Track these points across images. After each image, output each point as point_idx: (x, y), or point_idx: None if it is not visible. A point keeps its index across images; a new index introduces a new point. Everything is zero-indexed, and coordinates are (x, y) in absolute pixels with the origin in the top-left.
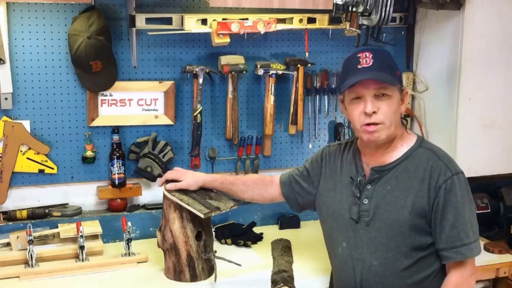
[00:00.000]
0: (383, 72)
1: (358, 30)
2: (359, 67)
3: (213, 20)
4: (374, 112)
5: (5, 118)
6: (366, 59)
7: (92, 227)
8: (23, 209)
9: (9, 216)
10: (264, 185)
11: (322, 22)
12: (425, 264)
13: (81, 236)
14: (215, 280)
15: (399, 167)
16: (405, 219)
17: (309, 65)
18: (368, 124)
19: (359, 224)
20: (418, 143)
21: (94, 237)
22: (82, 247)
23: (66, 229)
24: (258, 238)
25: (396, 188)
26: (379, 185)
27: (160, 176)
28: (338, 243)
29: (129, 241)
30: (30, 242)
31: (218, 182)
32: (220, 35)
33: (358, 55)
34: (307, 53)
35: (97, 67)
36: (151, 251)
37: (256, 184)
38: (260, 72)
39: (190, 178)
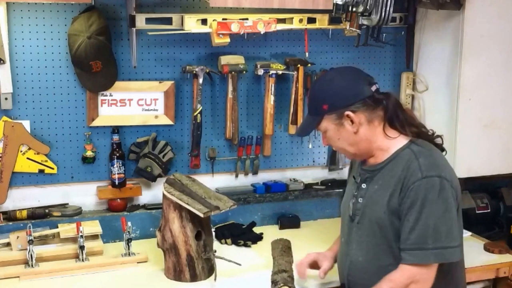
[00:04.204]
0: (308, 117)
1: (358, 30)
2: None
3: (213, 20)
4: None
5: (5, 118)
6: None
7: (92, 227)
8: (23, 209)
9: (9, 216)
10: None
11: (322, 22)
12: None
13: (81, 236)
14: (215, 279)
15: (386, 167)
16: (381, 217)
17: (309, 65)
18: None
19: (353, 222)
20: (407, 144)
21: (94, 237)
22: (82, 247)
23: (66, 229)
24: (258, 238)
25: (381, 188)
26: (371, 185)
27: (160, 176)
28: (341, 238)
29: (129, 241)
30: (30, 242)
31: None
32: (220, 35)
33: None
34: (307, 53)
35: (97, 67)
36: (151, 251)
37: None
38: (260, 72)
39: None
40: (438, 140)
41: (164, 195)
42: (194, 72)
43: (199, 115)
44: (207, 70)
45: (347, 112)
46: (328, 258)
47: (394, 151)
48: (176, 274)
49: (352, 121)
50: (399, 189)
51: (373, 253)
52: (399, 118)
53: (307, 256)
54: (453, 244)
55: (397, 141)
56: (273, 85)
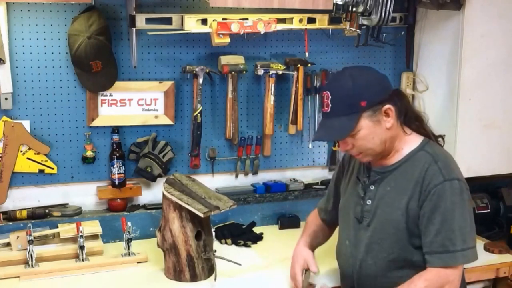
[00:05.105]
0: (337, 119)
1: (358, 30)
2: (323, 111)
3: (213, 20)
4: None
5: (5, 118)
6: (326, 101)
7: (92, 227)
8: (23, 209)
9: (9, 216)
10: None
11: (322, 22)
12: (420, 267)
13: (81, 236)
14: (215, 279)
15: (399, 169)
16: (398, 220)
17: (309, 65)
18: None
19: (361, 224)
20: (421, 146)
21: (94, 237)
22: (82, 247)
23: (66, 229)
24: (258, 238)
25: (394, 190)
26: (381, 186)
27: (160, 176)
28: (343, 240)
29: (129, 241)
30: (30, 242)
31: (313, 246)
32: (220, 35)
33: (322, 94)
34: (307, 53)
35: (97, 67)
36: (151, 251)
37: (322, 228)
38: (260, 72)
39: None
40: (440, 141)
41: (164, 195)
42: (194, 72)
43: (199, 115)
44: (207, 70)
45: (387, 106)
46: (310, 254)
47: (407, 153)
48: (176, 274)
49: (388, 116)
50: (418, 192)
51: (384, 256)
52: (413, 115)
53: (297, 264)
54: (474, 244)
55: (411, 141)
56: (273, 85)
